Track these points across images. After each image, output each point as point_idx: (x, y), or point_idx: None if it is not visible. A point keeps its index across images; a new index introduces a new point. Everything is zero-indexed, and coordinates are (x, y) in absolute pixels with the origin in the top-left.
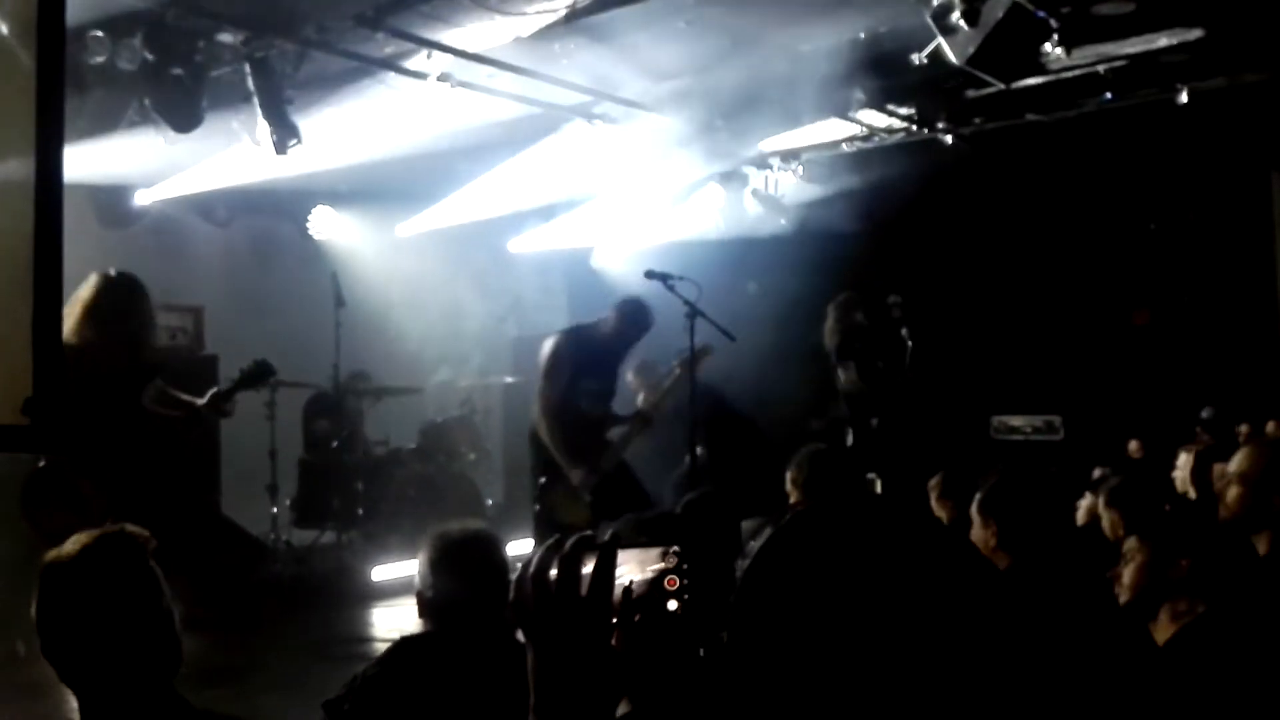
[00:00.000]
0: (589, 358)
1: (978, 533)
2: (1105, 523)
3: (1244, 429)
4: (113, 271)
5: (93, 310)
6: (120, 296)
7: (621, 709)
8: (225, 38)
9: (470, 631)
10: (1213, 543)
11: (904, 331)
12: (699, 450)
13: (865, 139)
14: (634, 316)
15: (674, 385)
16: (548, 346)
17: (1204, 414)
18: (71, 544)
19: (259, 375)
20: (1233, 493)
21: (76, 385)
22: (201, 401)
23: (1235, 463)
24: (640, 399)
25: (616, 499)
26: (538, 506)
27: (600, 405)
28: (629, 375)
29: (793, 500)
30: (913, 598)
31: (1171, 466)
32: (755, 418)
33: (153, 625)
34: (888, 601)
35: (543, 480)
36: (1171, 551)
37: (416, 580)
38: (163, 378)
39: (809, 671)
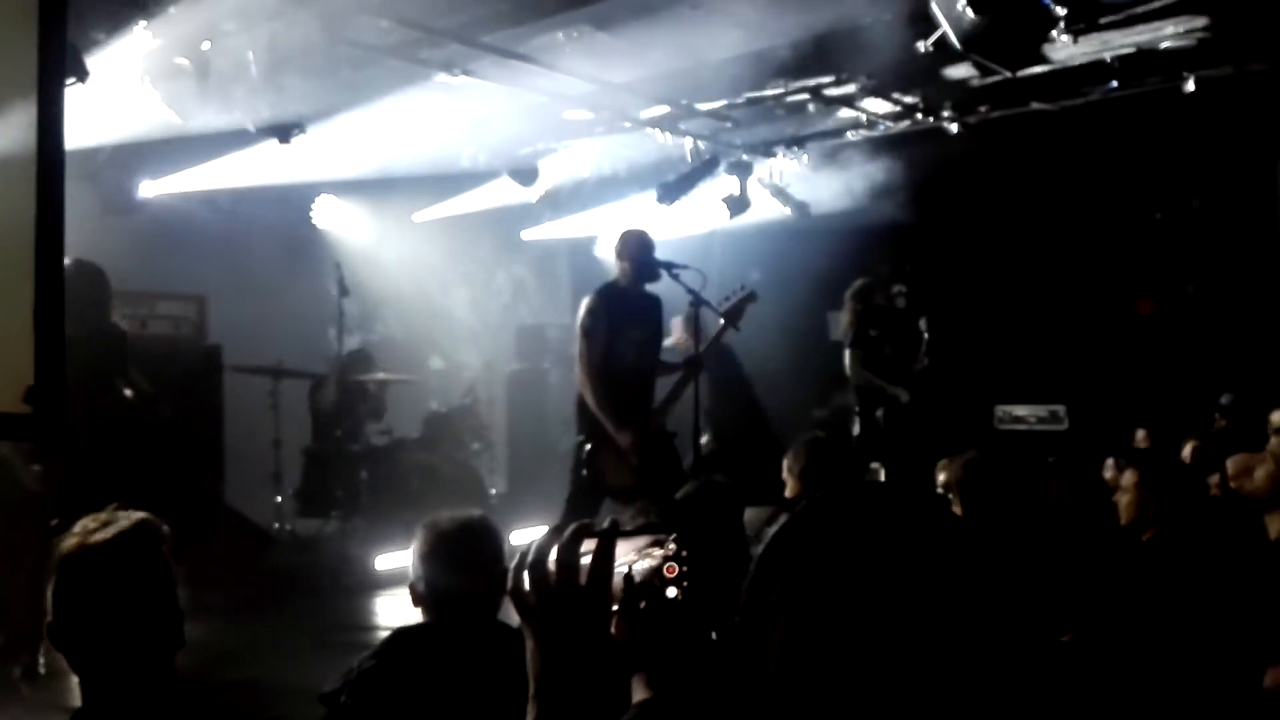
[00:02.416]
0: (623, 308)
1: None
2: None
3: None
4: (68, 260)
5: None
6: (86, 285)
7: (639, 694)
8: (230, 27)
9: (465, 622)
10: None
11: (922, 323)
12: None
13: (870, 127)
14: (634, 245)
15: (719, 337)
16: (584, 306)
17: (1223, 400)
18: (99, 532)
19: None
20: (1260, 473)
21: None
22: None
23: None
24: (676, 344)
25: (662, 465)
26: (585, 471)
27: (648, 353)
28: (677, 325)
29: (789, 489)
30: (929, 582)
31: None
32: (761, 404)
33: (164, 617)
34: (905, 586)
35: (588, 445)
36: None
37: (409, 571)
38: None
39: (825, 656)
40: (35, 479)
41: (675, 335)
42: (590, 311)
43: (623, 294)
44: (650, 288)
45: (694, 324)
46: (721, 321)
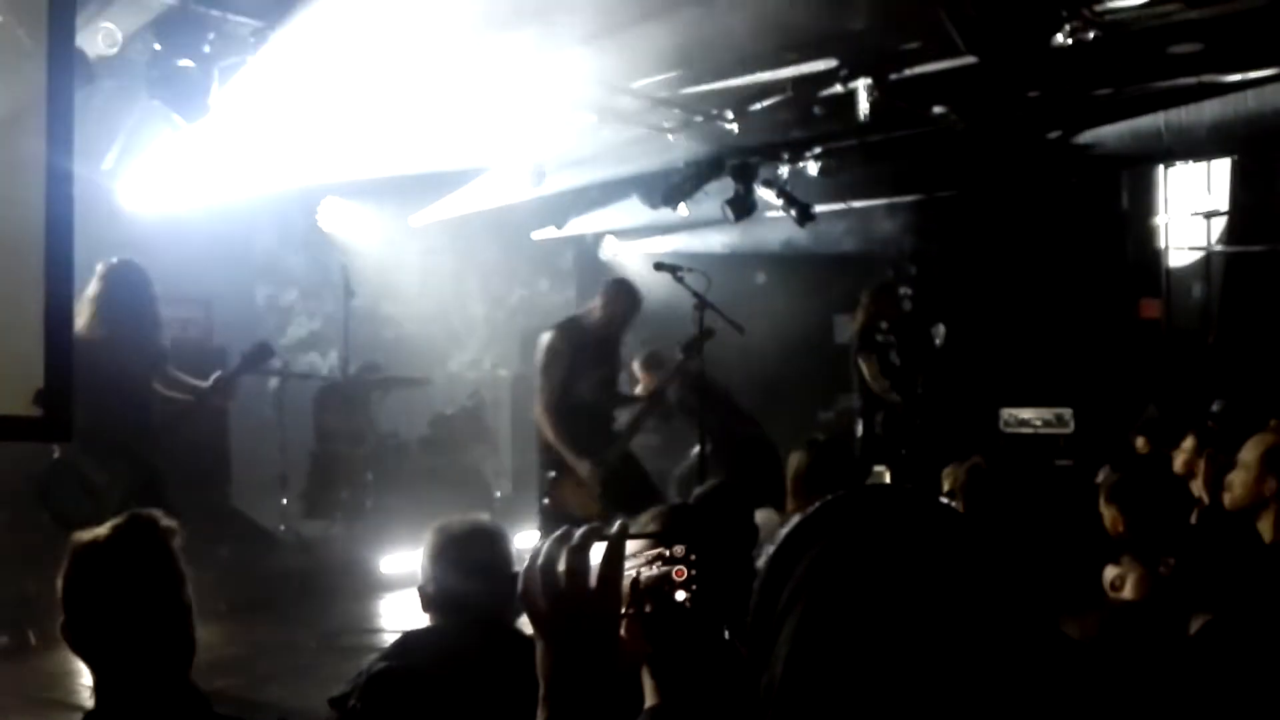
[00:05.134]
0: (585, 347)
1: None
2: (1106, 519)
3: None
4: (115, 260)
5: (104, 303)
6: (128, 287)
7: (650, 698)
8: (234, 28)
9: (474, 625)
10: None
11: (937, 329)
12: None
13: (874, 130)
14: (619, 297)
15: (678, 370)
16: (543, 342)
17: (1214, 407)
18: (104, 527)
19: (260, 356)
20: (1236, 483)
21: (92, 379)
22: (206, 384)
23: (1243, 452)
24: (642, 389)
25: (626, 491)
26: (546, 500)
27: (605, 392)
28: (636, 368)
29: (791, 493)
30: (940, 583)
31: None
32: (756, 410)
33: (172, 613)
34: (915, 586)
35: (551, 475)
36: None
37: (419, 574)
38: (170, 363)
39: (835, 656)
40: (108, 482)
41: (639, 376)
42: (550, 348)
43: (586, 332)
44: (656, 290)
45: (699, 325)
46: (680, 357)
